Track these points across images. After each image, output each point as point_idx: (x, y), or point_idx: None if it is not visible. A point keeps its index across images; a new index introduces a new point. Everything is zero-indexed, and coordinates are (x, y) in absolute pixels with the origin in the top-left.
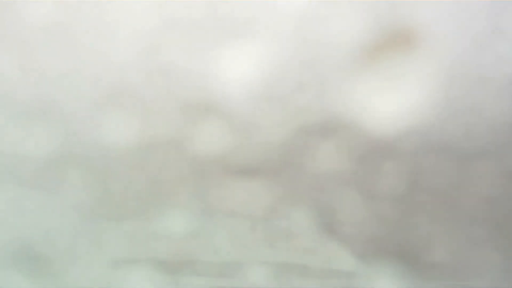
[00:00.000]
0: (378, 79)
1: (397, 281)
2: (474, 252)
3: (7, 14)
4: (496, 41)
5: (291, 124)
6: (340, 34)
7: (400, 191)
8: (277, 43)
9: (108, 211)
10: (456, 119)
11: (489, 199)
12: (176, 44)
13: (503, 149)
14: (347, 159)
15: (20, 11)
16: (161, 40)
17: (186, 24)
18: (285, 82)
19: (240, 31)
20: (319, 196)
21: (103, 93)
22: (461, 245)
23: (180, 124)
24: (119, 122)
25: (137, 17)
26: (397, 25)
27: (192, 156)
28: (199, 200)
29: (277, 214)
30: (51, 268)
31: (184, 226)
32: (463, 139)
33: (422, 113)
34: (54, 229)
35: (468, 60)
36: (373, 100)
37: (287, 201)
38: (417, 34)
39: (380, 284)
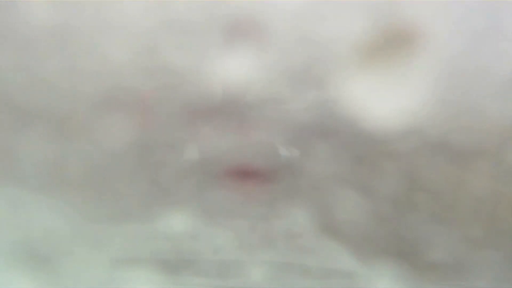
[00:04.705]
0: (377, 79)
1: (397, 281)
2: (474, 252)
3: (7, 14)
4: (496, 41)
5: (290, 124)
6: (339, 34)
7: (400, 191)
8: (276, 43)
9: (108, 211)
10: (455, 118)
11: (488, 199)
12: (175, 44)
13: (502, 149)
14: (347, 159)
15: (20, 11)
16: (160, 41)
17: (185, 24)
18: (284, 82)
19: (239, 31)
20: (319, 196)
21: (103, 93)
22: (461, 245)
23: (179, 124)
24: (118, 122)
25: (136, 18)
26: (396, 25)
27: (192, 156)
28: (199, 200)
29: (277, 214)
30: (51, 268)
31: (184, 226)
32: (462, 138)
33: (421, 113)
34: (54, 229)
35: (467, 60)
36: (372, 100)
37: (287, 201)
38: (417, 33)
39: (380, 284)
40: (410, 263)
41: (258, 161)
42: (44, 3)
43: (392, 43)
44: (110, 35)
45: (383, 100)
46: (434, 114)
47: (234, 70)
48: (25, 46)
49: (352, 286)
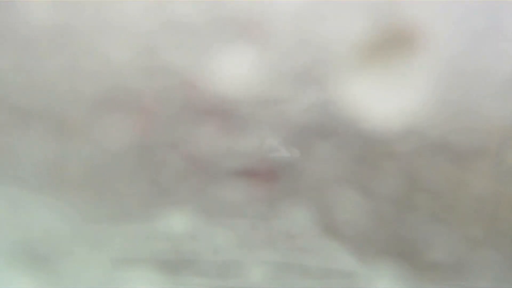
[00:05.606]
0: (377, 79)
1: (397, 281)
2: (474, 252)
3: (7, 14)
4: (496, 41)
5: (290, 124)
6: (339, 34)
7: (400, 191)
8: (277, 43)
9: (108, 211)
10: (455, 119)
11: (488, 199)
12: (175, 44)
13: (502, 149)
14: (347, 159)
15: (20, 11)
16: (160, 41)
17: (185, 24)
18: (284, 82)
19: (239, 31)
20: (319, 196)
21: (102, 93)
22: (461, 245)
23: (179, 125)
24: (119, 122)
25: (136, 18)
26: (396, 25)
27: (192, 156)
28: (199, 200)
29: (277, 214)
30: (51, 268)
31: (184, 226)
32: (462, 138)
33: (421, 113)
34: (54, 229)
35: (467, 60)
36: (372, 100)
37: (287, 201)
38: (417, 33)
39: (380, 284)
40: (410, 263)
41: (258, 161)
42: (44, 3)
43: (392, 43)
44: (110, 35)
45: (383, 100)
46: (434, 114)
47: (234, 70)
48: (25, 46)
49: (352, 286)
